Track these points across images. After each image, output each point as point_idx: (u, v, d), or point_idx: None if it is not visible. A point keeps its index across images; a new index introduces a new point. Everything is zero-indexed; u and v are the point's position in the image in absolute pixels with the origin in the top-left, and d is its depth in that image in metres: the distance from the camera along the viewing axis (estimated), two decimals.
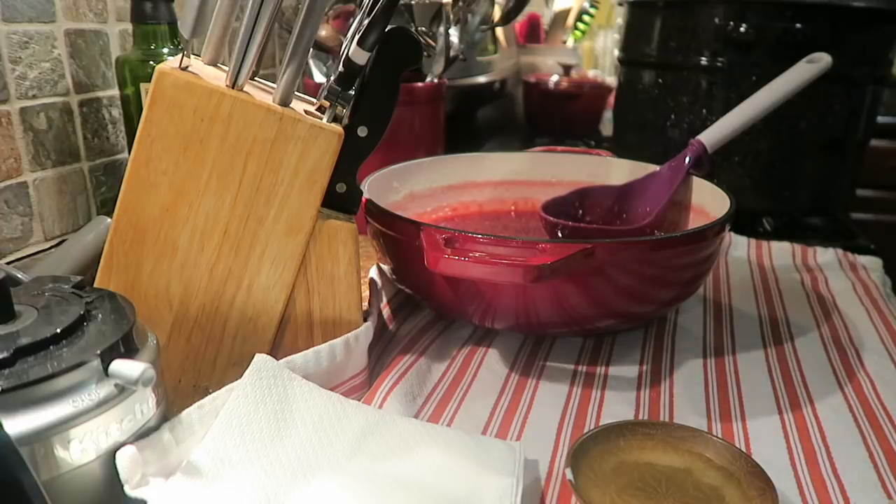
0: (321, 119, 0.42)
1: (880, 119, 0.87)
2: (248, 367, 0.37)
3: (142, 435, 0.32)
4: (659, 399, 0.47)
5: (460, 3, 0.86)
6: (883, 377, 0.50)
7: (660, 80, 0.85)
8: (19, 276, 0.44)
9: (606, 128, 1.33)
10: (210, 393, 0.36)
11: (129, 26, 0.64)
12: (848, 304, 0.63)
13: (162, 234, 0.41)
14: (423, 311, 0.59)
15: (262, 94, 0.42)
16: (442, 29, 0.83)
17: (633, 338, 0.55)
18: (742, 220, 0.64)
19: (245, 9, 0.39)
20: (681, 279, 0.52)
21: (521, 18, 1.51)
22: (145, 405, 0.32)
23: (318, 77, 0.81)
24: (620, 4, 0.97)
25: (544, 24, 1.59)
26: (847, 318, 0.60)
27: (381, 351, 0.52)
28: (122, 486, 0.30)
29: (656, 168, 0.66)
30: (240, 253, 0.42)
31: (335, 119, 0.42)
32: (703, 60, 0.80)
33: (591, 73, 1.53)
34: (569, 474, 0.36)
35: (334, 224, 0.43)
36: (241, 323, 0.44)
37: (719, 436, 0.42)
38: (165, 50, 0.60)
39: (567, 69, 1.34)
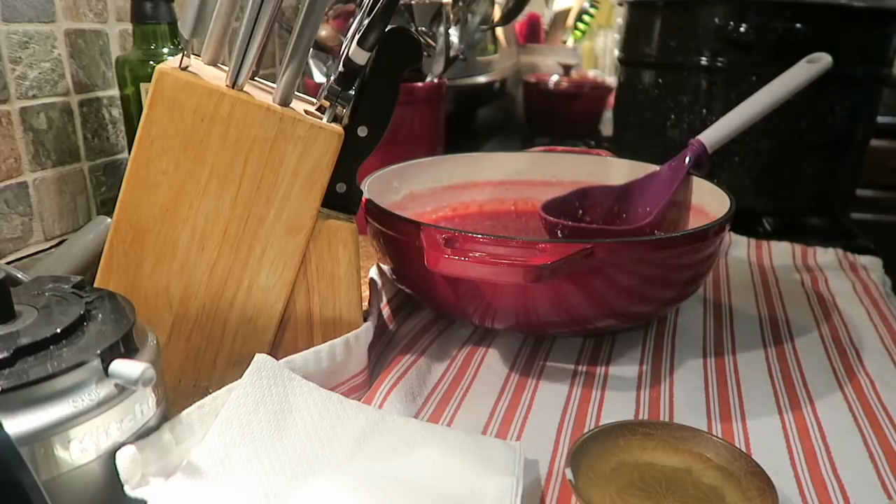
0: (321, 119, 0.42)
1: (880, 119, 0.87)
2: (248, 367, 0.37)
3: (142, 435, 0.32)
4: (659, 399, 0.47)
5: (460, 3, 0.86)
6: (883, 377, 0.50)
7: (660, 80, 0.85)
8: (19, 276, 0.45)
9: (606, 128, 1.33)
10: (210, 393, 0.36)
11: (129, 26, 0.64)
12: (848, 304, 0.63)
13: (162, 234, 0.41)
14: (423, 311, 0.59)
15: (262, 94, 0.42)
16: (442, 29, 0.83)
17: (633, 338, 0.55)
18: (742, 220, 0.64)
19: (245, 9, 0.39)
20: (681, 279, 0.52)
21: (521, 18, 1.51)
22: (145, 405, 0.32)
23: (318, 77, 0.81)
24: (620, 4, 0.97)
25: (544, 24, 1.59)
26: (847, 318, 0.60)
27: (381, 351, 0.52)
28: (122, 486, 0.30)
29: (656, 168, 0.66)
30: (240, 253, 0.42)
31: (335, 119, 0.42)
32: (703, 60, 0.80)
33: (591, 73, 1.53)
34: (569, 474, 0.36)
35: (334, 224, 0.43)
36: (241, 323, 0.44)
37: (719, 436, 0.42)
38: (165, 50, 0.60)
39: (567, 69, 1.34)
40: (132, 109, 0.61)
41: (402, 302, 0.60)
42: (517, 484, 0.35)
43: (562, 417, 0.45)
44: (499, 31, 1.17)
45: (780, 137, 0.79)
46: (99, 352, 0.29)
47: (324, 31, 0.80)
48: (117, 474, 0.30)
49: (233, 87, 0.40)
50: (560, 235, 0.63)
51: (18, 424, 0.27)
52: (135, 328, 0.32)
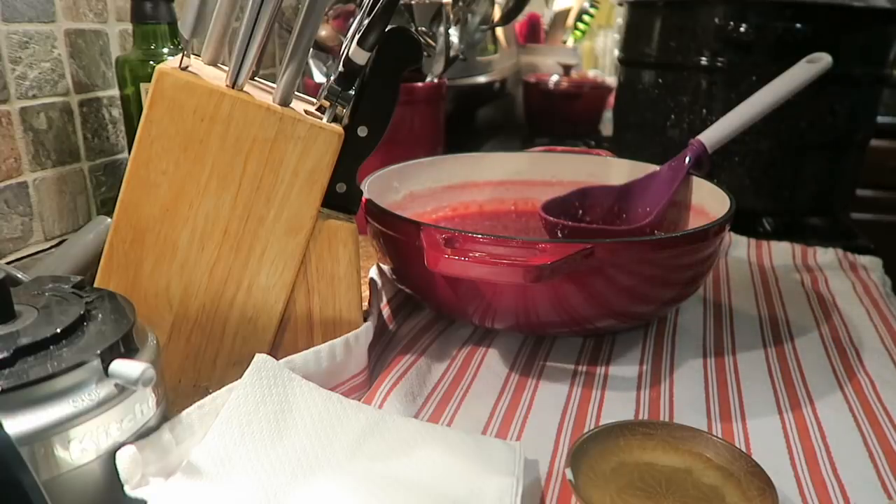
0: (321, 119, 0.42)
1: (880, 119, 0.87)
2: (248, 367, 0.37)
3: (142, 435, 0.32)
4: (659, 399, 0.47)
5: (460, 3, 0.86)
6: (883, 377, 0.50)
7: (660, 80, 0.85)
8: (19, 276, 0.45)
9: (606, 128, 1.33)
10: (210, 393, 0.36)
11: (129, 26, 0.64)
12: (848, 304, 0.63)
13: (162, 234, 0.41)
14: (423, 311, 0.59)
15: (262, 94, 0.42)
16: (442, 29, 0.83)
17: (633, 338, 0.55)
18: (742, 220, 0.64)
19: (245, 9, 0.39)
20: (681, 279, 0.52)
21: (521, 18, 1.51)
22: (145, 405, 0.32)
23: (318, 77, 0.81)
24: (620, 4, 0.97)
25: (544, 24, 1.59)
26: (847, 318, 0.60)
27: (381, 351, 0.52)
28: (122, 486, 0.30)
29: (656, 168, 0.66)
30: (240, 253, 0.42)
31: (335, 119, 0.42)
32: (703, 60, 0.80)
33: (591, 73, 1.53)
34: (569, 474, 0.36)
35: (334, 224, 0.43)
36: (241, 323, 0.44)
37: (719, 436, 0.42)
38: (165, 50, 0.60)
39: (567, 69, 1.34)
40: (132, 109, 0.61)
41: (402, 302, 0.60)
42: (517, 484, 0.35)
43: (562, 417, 0.45)
44: (499, 31, 1.17)
45: (780, 137, 0.79)
46: (99, 352, 0.29)
47: (324, 31, 0.80)
48: (117, 474, 0.30)
49: (233, 87, 0.40)
50: (560, 235, 0.63)
51: (18, 424, 0.27)
52: (135, 328, 0.32)
